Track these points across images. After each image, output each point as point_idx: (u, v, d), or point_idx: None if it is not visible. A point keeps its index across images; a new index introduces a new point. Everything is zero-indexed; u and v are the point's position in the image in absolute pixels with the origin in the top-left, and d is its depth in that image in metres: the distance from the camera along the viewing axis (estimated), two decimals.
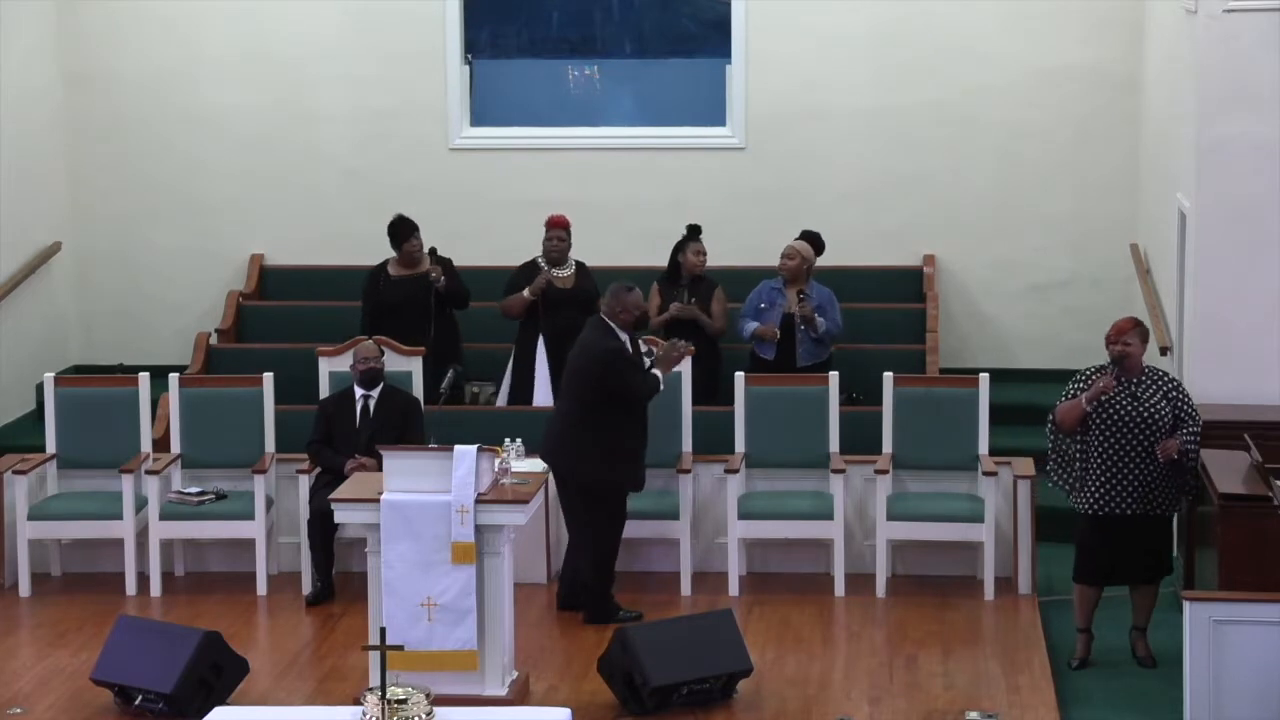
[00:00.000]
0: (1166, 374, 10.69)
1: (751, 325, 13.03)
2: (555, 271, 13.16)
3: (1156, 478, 10.50)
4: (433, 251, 13.34)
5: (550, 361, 13.00)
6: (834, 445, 12.24)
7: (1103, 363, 10.74)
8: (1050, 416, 10.70)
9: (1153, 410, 10.47)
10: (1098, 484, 10.53)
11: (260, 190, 15.34)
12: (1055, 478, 10.79)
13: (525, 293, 13.09)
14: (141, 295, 15.44)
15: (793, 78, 15.00)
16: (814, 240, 13.28)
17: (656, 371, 11.32)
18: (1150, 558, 10.62)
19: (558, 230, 13.19)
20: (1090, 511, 10.58)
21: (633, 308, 11.34)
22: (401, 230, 13.38)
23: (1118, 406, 10.49)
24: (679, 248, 13.33)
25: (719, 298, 13.27)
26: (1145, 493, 10.50)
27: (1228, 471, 10.70)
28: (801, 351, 12.98)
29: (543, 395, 13.01)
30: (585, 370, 11.25)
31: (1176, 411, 10.51)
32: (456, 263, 13.79)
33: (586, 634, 11.20)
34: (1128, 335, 10.55)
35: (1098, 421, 10.51)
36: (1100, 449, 10.52)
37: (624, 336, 11.33)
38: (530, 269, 13.24)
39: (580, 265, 13.30)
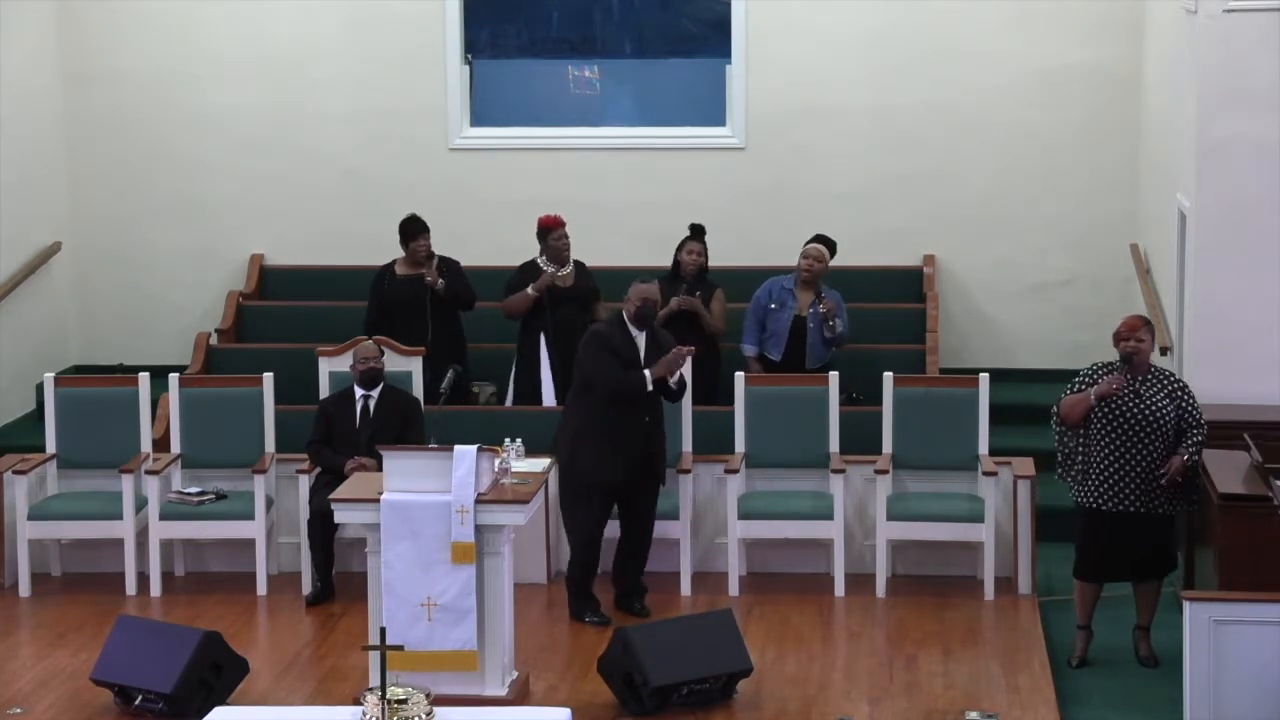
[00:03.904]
0: (1172, 374, 10.69)
1: (751, 349, 13.04)
2: (558, 270, 13.18)
3: (1152, 477, 10.49)
4: (439, 259, 13.36)
5: (553, 361, 13.02)
6: (834, 445, 12.24)
7: (1106, 360, 10.76)
8: (1054, 410, 10.71)
9: (1156, 409, 10.47)
10: (1099, 480, 10.55)
11: (260, 190, 15.35)
12: (1062, 472, 10.81)
13: (530, 289, 13.10)
14: (141, 295, 15.44)
15: (793, 78, 15.00)
16: (831, 246, 13.26)
17: (647, 372, 11.29)
18: (1153, 554, 10.62)
19: (562, 229, 13.20)
20: (1091, 506, 10.60)
21: (634, 296, 11.38)
22: (409, 229, 13.40)
23: (1120, 404, 10.49)
24: (679, 247, 13.33)
25: (719, 299, 13.25)
26: (1147, 491, 10.50)
27: (1228, 471, 10.69)
28: (811, 355, 12.96)
29: (549, 395, 13.03)
30: (578, 353, 11.43)
31: (1180, 413, 10.51)
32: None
33: (586, 634, 11.20)
34: (1140, 331, 10.55)
35: (1099, 418, 10.52)
36: (1101, 446, 10.53)
37: (635, 331, 11.33)
38: (531, 269, 13.24)
39: (579, 264, 13.31)
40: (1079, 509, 10.70)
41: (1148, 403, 10.49)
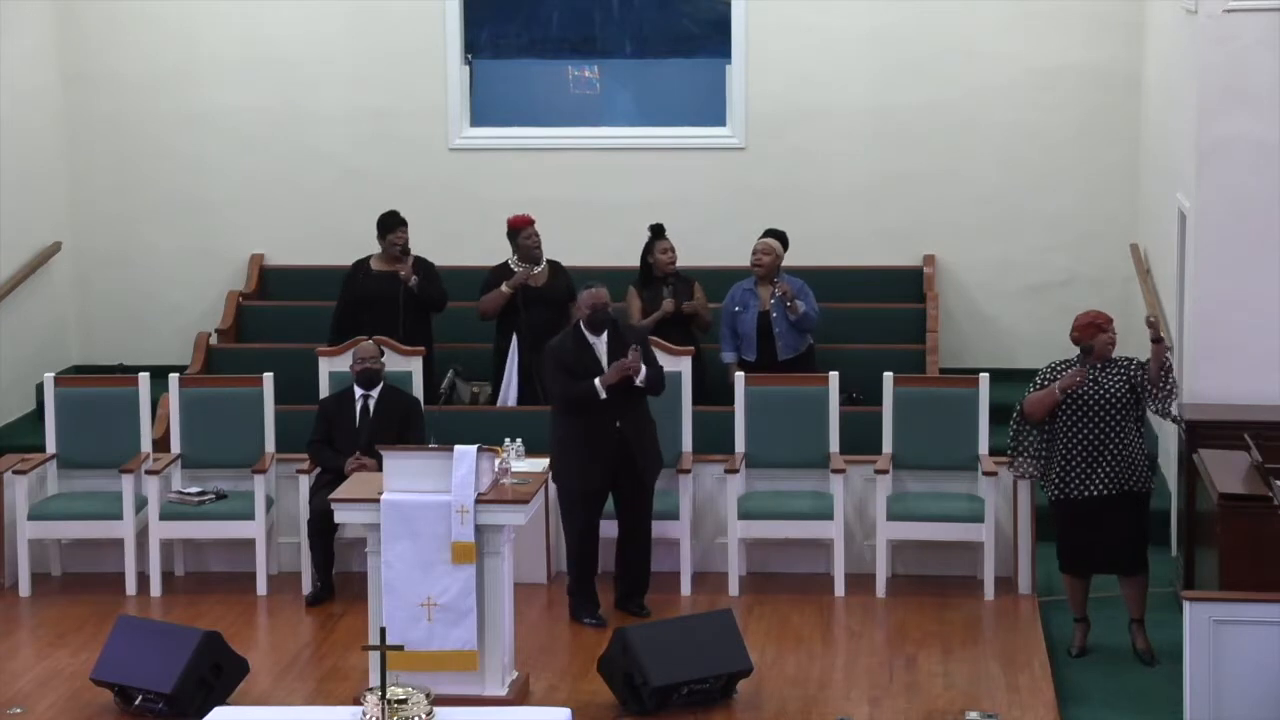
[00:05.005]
0: (1124, 357, 10.93)
1: (729, 357, 13.06)
2: (531, 269, 13.19)
3: (1122, 456, 10.70)
4: (415, 259, 13.38)
5: (523, 361, 13.03)
6: (834, 445, 12.24)
7: (1065, 358, 11.00)
8: (1018, 408, 10.87)
9: (1114, 393, 10.73)
10: (1066, 468, 10.76)
11: (260, 190, 15.35)
12: (1019, 467, 11.05)
13: (504, 286, 13.12)
14: (141, 295, 15.45)
15: (793, 78, 15.00)
16: (781, 239, 13.29)
17: (597, 381, 11.23)
18: (1128, 543, 10.77)
19: (531, 227, 13.22)
20: (1059, 496, 10.80)
21: (582, 304, 11.39)
22: (387, 221, 13.44)
23: (1083, 394, 10.75)
24: (647, 249, 13.31)
25: (700, 293, 13.25)
26: (1113, 472, 10.70)
27: (1228, 471, 10.70)
28: (781, 346, 12.99)
29: (511, 396, 13.04)
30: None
31: (1134, 385, 10.73)
32: (456, 262, 13.80)
33: (586, 634, 11.20)
34: (1113, 324, 10.87)
35: (1065, 411, 10.77)
36: (1070, 436, 10.76)
37: (592, 337, 11.30)
38: (503, 270, 13.27)
39: (555, 264, 13.31)
40: (1052, 503, 10.88)
41: (1105, 389, 10.74)
